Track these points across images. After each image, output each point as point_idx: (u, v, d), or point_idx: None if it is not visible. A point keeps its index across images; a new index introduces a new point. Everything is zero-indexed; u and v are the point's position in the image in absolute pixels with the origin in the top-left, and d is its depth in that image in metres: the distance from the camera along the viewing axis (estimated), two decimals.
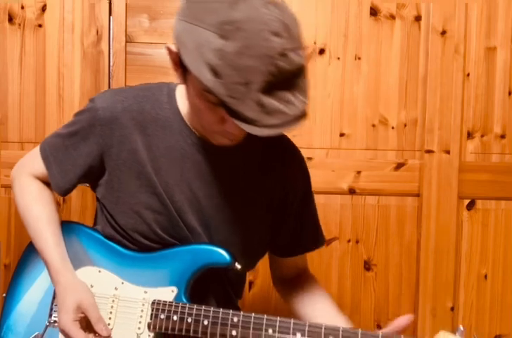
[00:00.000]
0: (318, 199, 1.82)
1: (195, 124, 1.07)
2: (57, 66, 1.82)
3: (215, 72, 0.83)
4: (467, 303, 1.84)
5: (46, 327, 1.11)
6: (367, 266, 1.84)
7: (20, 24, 1.81)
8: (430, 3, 1.78)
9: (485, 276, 1.84)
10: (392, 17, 1.80)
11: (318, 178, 1.82)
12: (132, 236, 1.10)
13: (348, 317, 1.11)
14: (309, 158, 1.81)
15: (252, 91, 0.83)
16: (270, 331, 0.99)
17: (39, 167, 1.15)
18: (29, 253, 1.20)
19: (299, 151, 1.20)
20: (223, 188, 1.09)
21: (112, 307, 1.08)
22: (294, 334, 0.98)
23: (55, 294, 1.09)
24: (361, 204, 1.83)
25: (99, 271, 1.11)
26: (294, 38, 0.86)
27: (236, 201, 1.10)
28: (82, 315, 1.03)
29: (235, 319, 1.01)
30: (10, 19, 1.81)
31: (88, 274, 1.11)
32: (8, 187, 1.83)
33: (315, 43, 1.81)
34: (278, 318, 1.00)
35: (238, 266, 1.07)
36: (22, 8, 1.81)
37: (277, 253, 1.23)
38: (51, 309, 1.12)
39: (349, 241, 1.84)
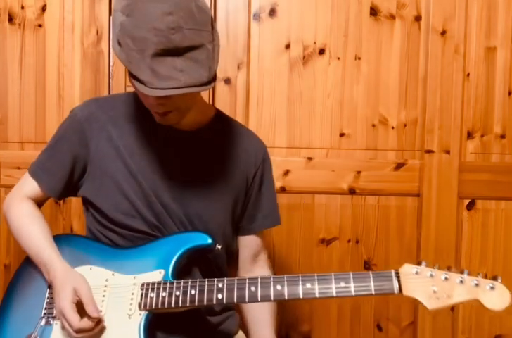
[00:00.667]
0: (319, 199, 1.85)
1: None
2: (57, 66, 1.82)
3: (119, 42, 1.04)
4: (467, 303, 1.84)
5: (38, 323, 1.14)
6: (367, 266, 1.84)
7: (20, 24, 1.81)
8: (430, 3, 1.78)
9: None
10: (392, 17, 1.80)
11: (318, 178, 1.82)
12: (116, 220, 1.21)
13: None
14: (309, 158, 1.81)
15: (145, 57, 1.00)
16: (253, 288, 1.08)
17: (30, 185, 1.26)
18: (23, 268, 1.27)
19: (259, 138, 1.37)
20: (190, 167, 1.23)
21: (104, 296, 1.13)
22: (274, 286, 1.07)
23: (51, 288, 1.14)
24: (361, 204, 1.83)
25: (90, 268, 1.18)
26: (192, 19, 1.02)
27: (203, 178, 1.24)
28: (78, 298, 1.09)
29: (220, 284, 1.09)
30: (10, 19, 1.81)
31: (81, 272, 1.16)
32: (8, 187, 1.83)
33: (315, 43, 1.81)
34: (259, 276, 1.10)
35: (219, 247, 1.18)
36: (22, 8, 1.81)
37: (237, 231, 1.34)
38: (44, 308, 1.16)
39: (349, 241, 1.84)
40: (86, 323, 1.06)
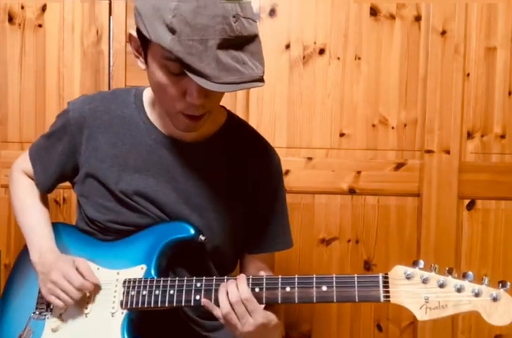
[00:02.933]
0: (319, 199, 1.85)
1: (160, 118, 1.14)
2: (57, 66, 1.82)
3: (172, 30, 0.88)
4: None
5: (30, 318, 1.17)
6: (367, 266, 1.84)
7: (20, 24, 1.81)
8: (430, 3, 1.78)
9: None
10: (392, 17, 1.80)
11: (318, 178, 1.82)
12: (101, 227, 1.18)
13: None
14: (309, 158, 1.81)
15: (209, 48, 0.88)
16: None
17: (29, 166, 1.28)
18: (20, 261, 1.30)
19: (273, 149, 1.24)
20: (189, 181, 1.14)
21: (89, 292, 1.13)
22: (253, 289, 1.01)
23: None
24: (361, 204, 1.83)
25: None
26: (245, 8, 0.92)
27: (202, 193, 1.15)
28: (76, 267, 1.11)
29: (199, 284, 1.05)
30: (10, 19, 1.81)
31: None
32: (8, 187, 1.83)
33: (315, 43, 1.81)
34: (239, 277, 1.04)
35: (202, 238, 1.12)
36: (22, 8, 1.81)
37: (245, 249, 1.25)
38: (36, 303, 1.19)
39: (349, 241, 1.84)
40: (87, 282, 1.08)
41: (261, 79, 0.93)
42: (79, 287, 1.08)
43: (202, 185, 1.14)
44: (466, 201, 1.83)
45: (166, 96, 1.00)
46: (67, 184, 1.34)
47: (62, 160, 1.21)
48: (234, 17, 0.89)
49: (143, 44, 0.99)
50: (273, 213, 1.23)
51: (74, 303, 1.10)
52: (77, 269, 1.11)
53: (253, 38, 0.93)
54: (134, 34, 1.00)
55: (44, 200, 1.31)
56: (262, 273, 1.05)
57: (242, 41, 0.91)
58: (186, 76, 0.91)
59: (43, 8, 1.81)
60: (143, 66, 1.04)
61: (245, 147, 1.19)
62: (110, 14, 1.80)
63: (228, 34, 0.89)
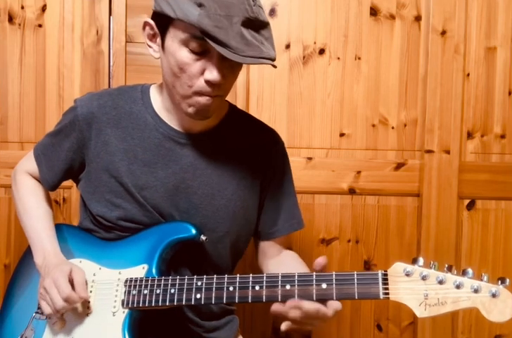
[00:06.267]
0: (319, 199, 1.85)
1: (167, 112, 1.16)
2: (57, 66, 1.82)
3: (200, 5, 0.95)
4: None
5: (32, 318, 1.17)
6: (367, 266, 1.84)
7: (20, 24, 1.81)
8: (430, 3, 1.78)
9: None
10: (392, 17, 1.80)
11: (318, 178, 1.82)
12: (106, 225, 1.19)
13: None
14: (309, 158, 1.81)
15: (234, 24, 0.96)
16: (231, 288, 1.03)
17: (33, 166, 1.28)
18: (21, 266, 1.30)
19: (276, 133, 1.30)
20: (197, 170, 1.16)
21: (91, 292, 1.13)
22: (253, 287, 1.02)
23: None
24: (361, 204, 1.83)
25: (80, 262, 1.19)
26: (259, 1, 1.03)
27: (212, 183, 1.17)
28: (71, 278, 1.10)
29: (199, 283, 1.06)
30: (10, 19, 1.81)
31: None
32: (8, 187, 1.83)
33: (315, 43, 1.81)
34: (238, 275, 1.04)
35: (204, 238, 1.13)
36: (22, 8, 1.81)
37: (257, 236, 1.28)
38: (38, 303, 1.17)
39: (349, 241, 1.84)
40: (75, 295, 1.07)
41: (274, 60, 1.01)
42: (65, 298, 1.07)
43: (211, 174, 1.17)
44: (466, 201, 1.83)
45: (183, 77, 1.03)
46: (67, 184, 1.35)
47: (69, 156, 1.21)
48: (253, 1, 0.99)
49: (160, 28, 1.04)
50: (284, 194, 1.27)
51: (59, 313, 1.10)
52: (72, 280, 1.10)
53: (266, 25, 1.02)
54: (150, 21, 1.06)
55: (48, 200, 1.31)
56: (294, 256, 1.07)
57: (259, 24, 1.00)
58: (206, 55, 1.00)
59: (43, 8, 1.81)
60: (156, 54, 1.09)
61: (249, 133, 1.24)
62: (110, 14, 1.80)
63: (250, 14, 0.97)
